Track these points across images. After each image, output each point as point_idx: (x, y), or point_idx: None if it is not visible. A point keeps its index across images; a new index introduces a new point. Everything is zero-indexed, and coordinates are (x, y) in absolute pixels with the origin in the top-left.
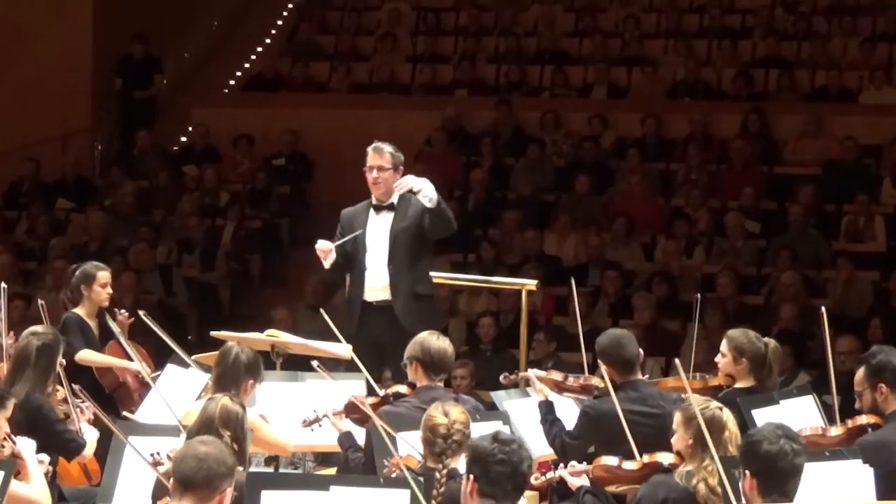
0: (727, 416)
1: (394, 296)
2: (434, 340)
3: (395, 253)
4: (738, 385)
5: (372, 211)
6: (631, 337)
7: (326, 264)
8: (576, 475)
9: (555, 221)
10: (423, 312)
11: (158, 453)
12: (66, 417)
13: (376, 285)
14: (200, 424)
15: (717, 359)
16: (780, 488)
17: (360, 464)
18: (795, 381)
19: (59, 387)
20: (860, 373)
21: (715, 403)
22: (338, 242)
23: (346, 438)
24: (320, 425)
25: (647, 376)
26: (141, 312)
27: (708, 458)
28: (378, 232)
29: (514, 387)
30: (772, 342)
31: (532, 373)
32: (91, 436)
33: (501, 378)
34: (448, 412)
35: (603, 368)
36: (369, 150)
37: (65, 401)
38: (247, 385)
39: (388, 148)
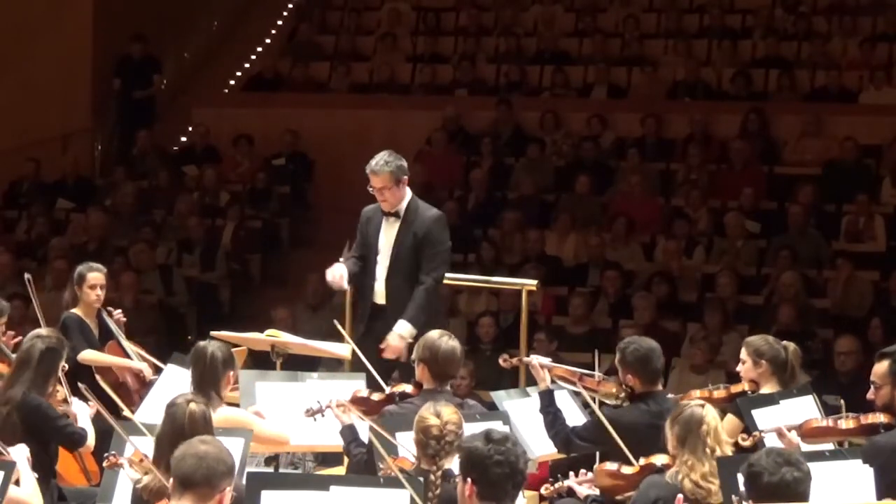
0: (707, 411)
1: (391, 308)
2: (444, 343)
3: (394, 269)
4: (763, 391)
5: (384, 215)
6: (658, 350)
7: (345, 284)
8: (583, 484)
9: (555, 221)
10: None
11: (115, 454)
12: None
13: (381, 290)
14: (171, 434)
15: (738, 367)
16: None
17: (364, 461)
18: None
19: (59, 387)
20: (883, 366)
21: (696, 402)
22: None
23: (348, 432)
24: (323, 415)
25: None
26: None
27: (687, 454)
28: (385, 239)
29: (514, 370)
30: (791, 345)
31: (535, 359)
32: (85, 418)
33: (501, 360)
34: (440, 413)
35: (626, 376)
36: (368, 171)
37: (65, 401)
38: (228, 377)
39: (386, 168)
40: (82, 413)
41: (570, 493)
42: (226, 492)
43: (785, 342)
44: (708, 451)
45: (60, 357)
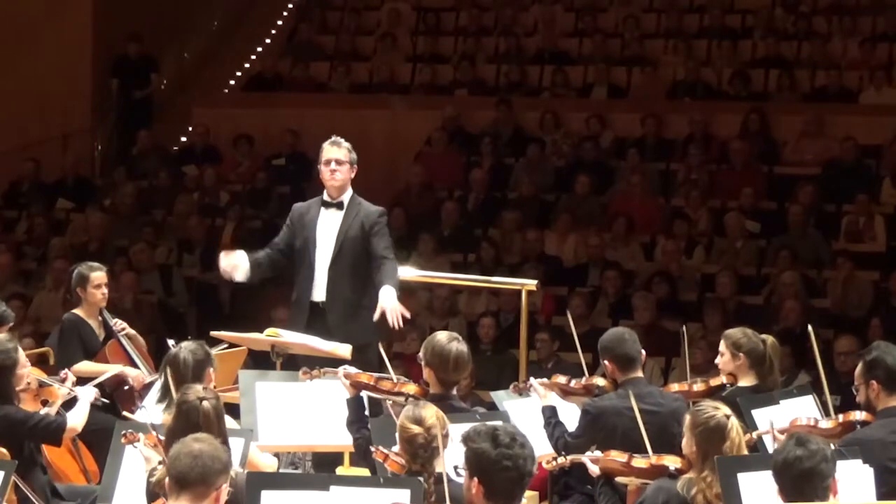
0: (732, 424)
1: (329, 301)
2: (453, 348)
3: (338, 258)
4: (741, 384)
5: (322, 208)
6: (633, 335)
7: (239, 277)
8: (595, 462)
9: (555, 221)
10: (359, 324)
11: (132, 431)
12: (45, 403)
13: (321, 281)
14: (184, 432)
15: (716, 360)
16: (799, 494)
17: (364, 450)
18: (796, 381)
19: (29, 374)
20: (858, 368)
21: (724, 411)
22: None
23: (353, 406)
24: (320, 377)
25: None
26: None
27: (707, 470)
28: (327, 230)
29: (514, 370)
30: (770, 339)
31: (533, 382)
32: (85, 397)
33: (511, 388)
34: (421, 419)
35: (604, 365)
36: (325, 144)
37: (40, 386)
38: (208, 373)
39: (345, 143)
40: (84, 396)
41: (570, 469)
42: (222, 489)
43: (764, 335)
44: None
45: (13, 367)
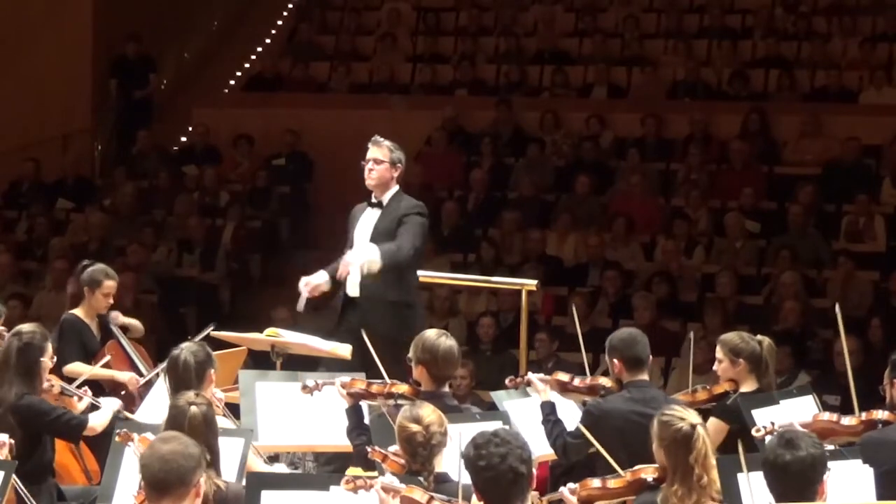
0: (698, 434)
1: (362, 296)
2: (443, 344)
3: None
4: (743, 389)
5: (368, 207)
6: (644, 338)
7: (324, 286)
8: (574, 493)
9: (555, 221)
10: (394, 320)
11: (126, 431)
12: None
13: (354, 277)
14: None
15: (714, 367)
16: (786, 496)
17: (365, 456)
18: (796, 381)
19: (54, 380)
20: (888, 368)
21: (690, 420)
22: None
23: (352, 414)
24: (320, 390)
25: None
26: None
27: (677, 484)
28: (364, 228)
29: (515, 370)
30: (766, 340)
31: (532, 377)
32: (109, 406)
33: (507, 381)
34: (419, 417)
35: (611, 363)
36: (370, 143)
37: (62, 393)
38: (209, 375)
39: (386, 144)
40: (108, 406)
41: (570, 470)
42: (200, 483)
43: (759, 336)
44: (695, 479)
45: (40, 351)
